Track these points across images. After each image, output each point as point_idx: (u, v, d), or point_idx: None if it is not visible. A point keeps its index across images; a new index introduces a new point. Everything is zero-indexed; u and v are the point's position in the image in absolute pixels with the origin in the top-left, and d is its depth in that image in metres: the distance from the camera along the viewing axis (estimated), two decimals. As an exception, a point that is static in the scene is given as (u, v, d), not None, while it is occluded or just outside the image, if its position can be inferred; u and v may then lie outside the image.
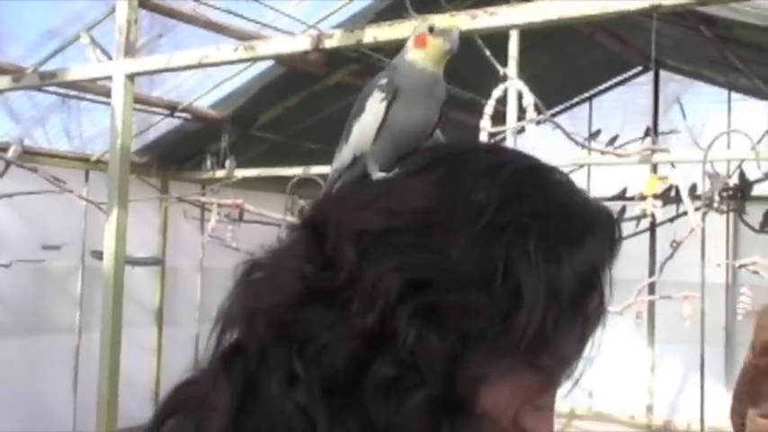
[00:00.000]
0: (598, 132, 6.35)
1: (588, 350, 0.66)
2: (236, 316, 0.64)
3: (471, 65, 3.95)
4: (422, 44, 0.73)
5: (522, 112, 3.56)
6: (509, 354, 0.59)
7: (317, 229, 0.63)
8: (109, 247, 3.02)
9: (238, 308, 0.64)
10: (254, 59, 3.39)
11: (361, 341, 0.57)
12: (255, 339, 0.61)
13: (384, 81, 0.72)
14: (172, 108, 6.17)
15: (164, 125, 6.47)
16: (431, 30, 0.72)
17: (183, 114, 6.31)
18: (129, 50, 3.03)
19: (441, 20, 0.74)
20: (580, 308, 0.61)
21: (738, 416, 2.51)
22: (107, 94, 5.53)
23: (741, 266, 5.14)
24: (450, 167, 0.64)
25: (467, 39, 3.42)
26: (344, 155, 0.74)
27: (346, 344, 0.57)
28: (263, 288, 0.63)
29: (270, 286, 0.62)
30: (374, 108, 0.71)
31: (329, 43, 2.60)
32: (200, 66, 2.93)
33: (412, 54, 0.73)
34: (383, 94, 0.71)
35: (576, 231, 0.62)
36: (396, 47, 3.94)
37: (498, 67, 3.57)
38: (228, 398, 0.60)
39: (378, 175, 0.67)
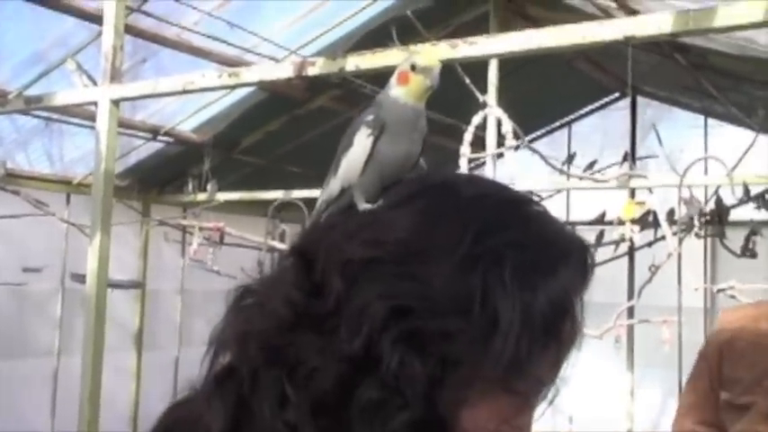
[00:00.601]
0: (573, 156, 6.43)
1: (564, 372, 0.70)
2: (228, 340, 0.67)
3: (452, 91, 4.01)
4: (404, 81, 0.76)
5: (501, 138, 3.62)
6: (487, 377, 0.62)
7: (305, 257, 0.66)
8: (92, 271, 3.02)
9: (230, 332, 0.67)
10: (238, 86, 3.43)
11: (347, 365, 0.61)
12: (247, 362, 0.64)
13: (371, 117, 0.75)
14: (154, 132, 6.18)
15: (145, 149, 6.48)
16: (413, 67, 0.75)
17: (165, 138, 6.32)
18: (115, 76, 3.06)
19: (421, 56, 0.77)
20: (554, 333, 0.65)
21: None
22: (90, 117, 5.56)
23: (719, 291, 5.20)
24: (432, 199, 0.68)
25: (447, 67, 3.48)
26: (333, 187, 0.77)
27: (334, 367, 0.61)
28: (255, 313, 0.66)
29: (261, 312, 0.65)
30: (362, 143, 0.74)
31: (312, 71, 2.64)
32: (184, 92, 2.96)
33: (395, 91, 0.77)
34: (370, 130, 0.75)
35: (550, 260, 0.66)
36: (377, 74, 4.00)
37: (478, 94, 3.63)
38: (222, 419, 0.63)
39: (364, 206, 0.70)
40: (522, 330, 0.62)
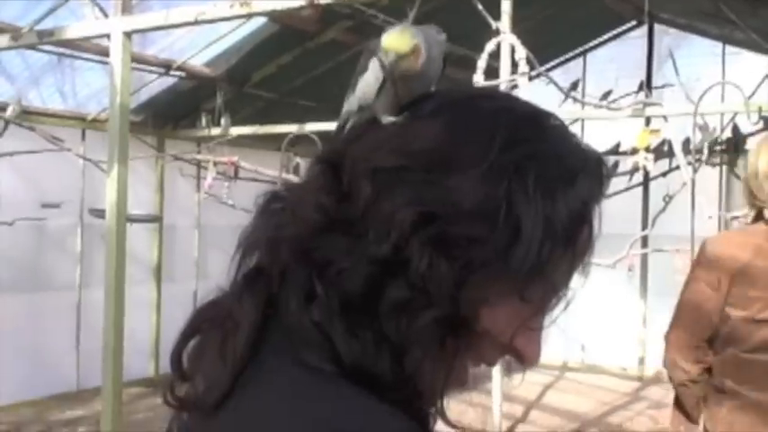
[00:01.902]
0: (577, 83, 6.38)
1: (574, 281, 0.73)
2: (258, 242, 0.70)
3: (464, 20, 3.97)
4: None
5: (514, 66, 3.59)
6: (508, 281, 0.66)
7: (334, 166, 0.69)
8: (111, 204, 3.07)
9: (261, 235, 0.70)
10: (250, 15, 3.39)
11: (376, 266, 0.64)
12: (278, 263, 0.67)
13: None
14: (166, 66, 6.17)
15: (158, 84, 6.48)
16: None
17: (178, 73, 6.31)
18: (126, 8, 3.05)
19: (387, 38, 0.73)
20: (572, 241, 0.68)
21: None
22: (101, 53, 5.55)
23: (733, 219, 5.22)
24: (456, 112, 0.71)
25: (461, -6, 3.44)
26: (352, 102, 0.79)
27: (363, 268, 0.64)
28: (286, 217, 0.69)
29: (292, 216, 0.68)
30: (375, 70, 0.76)
31: (324, -1, 2.62)
32: (196, 23, 2.95)
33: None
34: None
35: (569, 172, 0.68)
36: (390, 2, 3.94)
37: (491, 20, 3.59)
38: (252, 314, 0.67)
39: (387, 119, 0.72)
40: (543, 237, 0.65)
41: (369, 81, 0.76)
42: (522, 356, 0.71)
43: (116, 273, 3.09)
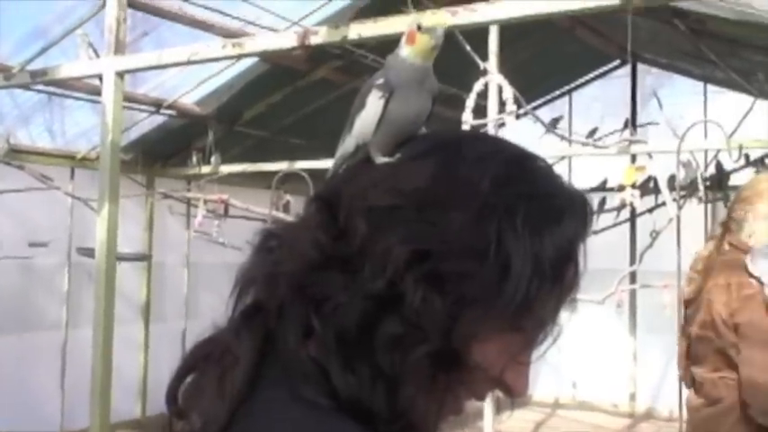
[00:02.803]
0: (559, 119, 6.45)
1: (561, 316, 0.76)
2: (255, 279, 0.72)
3: (452, 60, 4.03)
4: (411, 41, 0.80)
5: (502, 105, 3.65)
6: (498, 316, 0.68)
7: (330, 204, 0.71)
8: (101, 242, 3.07)
9: (259, 271, 0.72)
10: (242, 56, 3.45)
11: (371, 302, 0.66)
12: (275, 299, 0.69)
13: (381, 81, 0.80)
14: (157, 105, 6.21)
15: (148, 122, 6.52)
16: (419, 27, 0.79)
17: (169, 111, 6.35)
18: (119, 48, 3.09)
19: (426, 18, 0.80)
20: (559, 278, 0.71)
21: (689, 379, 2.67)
22: (91, 91, 5.59)
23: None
24: (448, 153, 0.74)
25: (448, 35, 3.51)
26: (348, 144, 0.82)
27: (359, 303, 0.66)
28: (283, 254, 0.71)
29: (289, 253, 0.70)
30: (373, 104, 0.79)
31: (315, 40, 2.67)
32: (189, 63, 2.99)
33: (403, 51, 0.81)
34: (381, 92, 0.79)
35: (556, 211, 0.72)
36: (378, 44, 4.01)
37: (479, 61, 3.66)
38: (250, 350, 0.69)
39: (381, 159, 0.75)
40: (531, 274, 0.68)
41: (368, 117, 0.79)
42: (511, 390, 0.74)
43: (105, 312, 3.08)
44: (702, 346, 2.56)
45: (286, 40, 2.79)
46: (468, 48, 3.54)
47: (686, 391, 2.74)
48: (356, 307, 0.66)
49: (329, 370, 0.67)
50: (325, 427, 0.65)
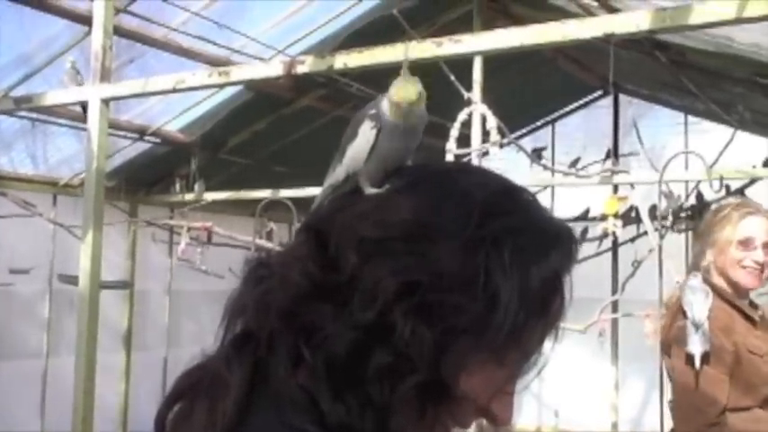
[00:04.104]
0: (542, 149, 6.52)
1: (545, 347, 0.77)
2: (245, 308, 0.73)
3: (437, 90, 4.07)
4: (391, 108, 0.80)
5: (485, 134, 3.68)
6: (486, 347, 0.69)
7: (319, 234, 0.72)
8: (84, 270, 3.06)
9: (249, 300, 0.72)
10: (228, 84, 3.46)
11: (361, 332, 0.67)
12: (266, 328, 0.70)
13: (373, 111, 0.81)
14: (141, 132, 6.21)
15: (131, 150, 6.50)
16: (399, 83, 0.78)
17: (152, 138, 6.35)
18: (105, 76, 3.09)
19: (396, 90, 0.77)
20: (545, 310, 0.72)
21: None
22: (75, 118, 5.58)
23: (699, 284, 5.29)
24: (435, 185, 0.75)
25: (433, 66, 3.55)
26: (338, 173, 0.83)
27: (348, 334, 0.67)
28: (274, 284, 0.71)
29: (280, 282, 0.71)
30: (365, 134, 0.80)
31: (301, 69, 2.69)
32: (174, 91, 3.00)
33: (386, 106, 0.81)
34: (373, 123, 0.80)
35: (543, 244, 0.73)
36: (363, 72, 4.03)
37: (463, 91, 3.70)
38: (241, 379, 0.69)
39: (370, 190, 0.76)
40: (519, 307, 0.69)
41: (360, 146, 0.80)
42: (496, 419, 0.75)
43: (88, 340, 3.06)
44: None
45: (272, 69, 2.81)
46: (452, 77, 3.58)
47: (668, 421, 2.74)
48: (346, 337, 0.67)
49: (318, 399, 0.67)
50: None
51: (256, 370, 0.70)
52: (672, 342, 2.48)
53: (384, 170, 0.78)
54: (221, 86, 4.01)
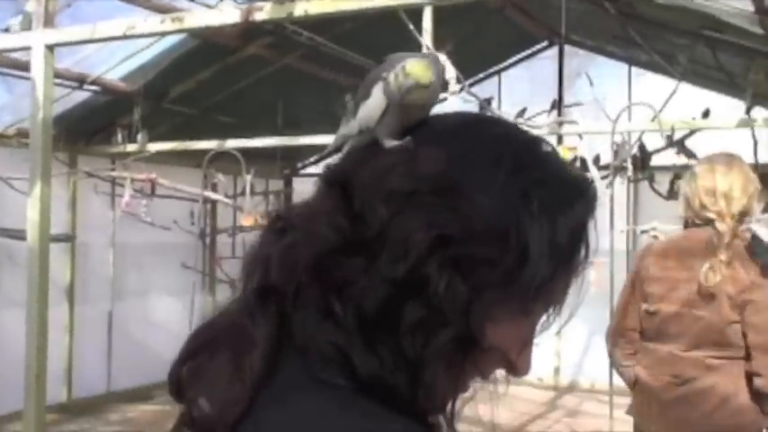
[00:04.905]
0: (491, 99, 6.57)
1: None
2: (268, 260, 0.70)
3: (389, 38, 4.03)
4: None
5: (444, 84, 3.66)
6: (515, 299, 0.69)
7: (343, 188, 0.70)
8: (33, 225, 2.96)
9: (270, 253, 0.71)
10: (182, 31, 3.35)
11: (393, 286, 0.66)
12: (293, 282, 0.68)
13: (386, 74, 0.78)
14: (80, 80, 6.00)
15: (71, 98, 6.28)
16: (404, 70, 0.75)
17: (92, 87, 6.14)
18: (49, 21, 2.96)
19: (411, 65, 0.74)
20: (572, 260, 0.72)
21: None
22: (4, 65, 5.37)
23: (643, 232, 5.45)
24: (462, 138, 0.74)
25: (388, 14, 3.50)
26: (352, 125, 0.81)
27: (380, 287, 0.66)
28: (299, 236, 0.70)
29: (305, 235, 0.69)
30: (378, 97, 0.78)
31: (259, 16, 2.62)
32: (125, 37, 2.89)
33: (392, 77, 0.78)
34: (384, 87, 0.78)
35: (567, 196, 0.73)
36: (317, 20, 3.93)
37: (422, 40, 3.67)
38: (268, 332, 0.68)
39: (391, 143, 0.74)
40: (549, 258, 0.70)
41: (372, 107, 0.78)
42: (516, 369, 0.76)
43: (39, 296, 2.98)
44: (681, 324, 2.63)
45: (229, 16, 2.73)
46: (411, 26, 3.54)
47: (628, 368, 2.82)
48: (377, 291, 0.66)
49: (349, 353, 0.66)
50: (353, 407, 0.65)
51: (283, 323, 0.69)
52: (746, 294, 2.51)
53: (401, 126, 0.76)
54: (174, 33, 3.88)
